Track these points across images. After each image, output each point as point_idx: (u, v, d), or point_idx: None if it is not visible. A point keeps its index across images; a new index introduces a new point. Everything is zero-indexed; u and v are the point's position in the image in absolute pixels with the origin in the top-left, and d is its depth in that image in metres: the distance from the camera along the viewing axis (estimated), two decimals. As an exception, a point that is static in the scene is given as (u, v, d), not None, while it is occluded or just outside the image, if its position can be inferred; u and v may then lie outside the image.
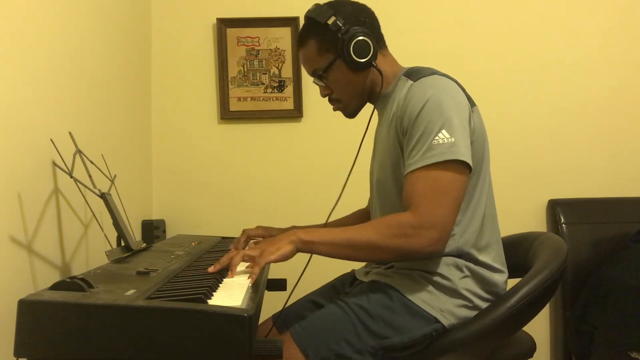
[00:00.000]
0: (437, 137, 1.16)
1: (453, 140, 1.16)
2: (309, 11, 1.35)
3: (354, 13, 1.32)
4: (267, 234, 1.57)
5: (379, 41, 1.36)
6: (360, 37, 1.28)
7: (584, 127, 2.46)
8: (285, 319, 1.44)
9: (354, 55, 1.29)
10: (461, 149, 1.17)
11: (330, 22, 1.29)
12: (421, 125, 1.19)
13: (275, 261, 1.15)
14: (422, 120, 1.19)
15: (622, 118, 2.47)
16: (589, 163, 2.46)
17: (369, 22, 1.34)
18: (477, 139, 1.25)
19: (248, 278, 1.11)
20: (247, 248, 1.45)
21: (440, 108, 1.19)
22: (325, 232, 1.21)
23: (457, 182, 1.17)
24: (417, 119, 1.20)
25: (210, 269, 1.16)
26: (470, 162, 1.18)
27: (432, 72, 1.29)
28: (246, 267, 1.19)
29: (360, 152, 1.43)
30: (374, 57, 1.30)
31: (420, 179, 1.17)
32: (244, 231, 1.59)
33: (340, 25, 1.29)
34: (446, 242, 1.18)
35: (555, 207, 2.40)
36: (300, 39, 1.37)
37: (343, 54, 1.30)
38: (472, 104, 1.27)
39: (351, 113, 1.42)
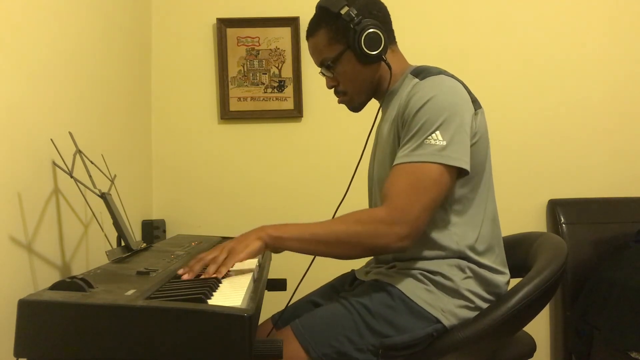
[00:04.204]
0: (430, 137, 1.16)
1: (444, 144, 1.16)
2: (321, 0, 1.34)
3: (367, 5, 1.31)
4: None
5: (390, 36, 1.35)
6: (372, 30, 1.27)
7: (584, 127, 2.46)
8: (284, 319, 1.44)
9: (365, 47, 1.28)
10: (452, 153, 1.16)
11: (343, 12, 1.28)
12: (418, 122, 1.19)
13: (244, 259, 1.14)
14: (420, 118, 1.19)
15: (622, 118, 2.47)
16: (589, 163, 2.46)
17: (381, 16, 1.33)
18: (480, 142, 1.24)
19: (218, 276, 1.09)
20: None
21: (441, 108, 1.18)
22: (294, 228, 1.19)
23: (439, 185, 1.16)
24: (415, 115, 1.19)
25: (185, 277, 1.11)
26: (463, 165, 1.17)
27: (439, 71, 1.28)
28: (233, 269, 1.17)
29: (365, 150, 1.42)
30: (384, 51, 1.30)
31: (403, 174, 1.17)
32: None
33: (353, 15, 1.28)
34: (415, 239, 1.17)
35: (555, 207, 2.40)
36: (311, 28, 1.36)
37: (354, 45, 1.28)
38: (477, 106, 1.26)
39: (356, 107, 1.40)
